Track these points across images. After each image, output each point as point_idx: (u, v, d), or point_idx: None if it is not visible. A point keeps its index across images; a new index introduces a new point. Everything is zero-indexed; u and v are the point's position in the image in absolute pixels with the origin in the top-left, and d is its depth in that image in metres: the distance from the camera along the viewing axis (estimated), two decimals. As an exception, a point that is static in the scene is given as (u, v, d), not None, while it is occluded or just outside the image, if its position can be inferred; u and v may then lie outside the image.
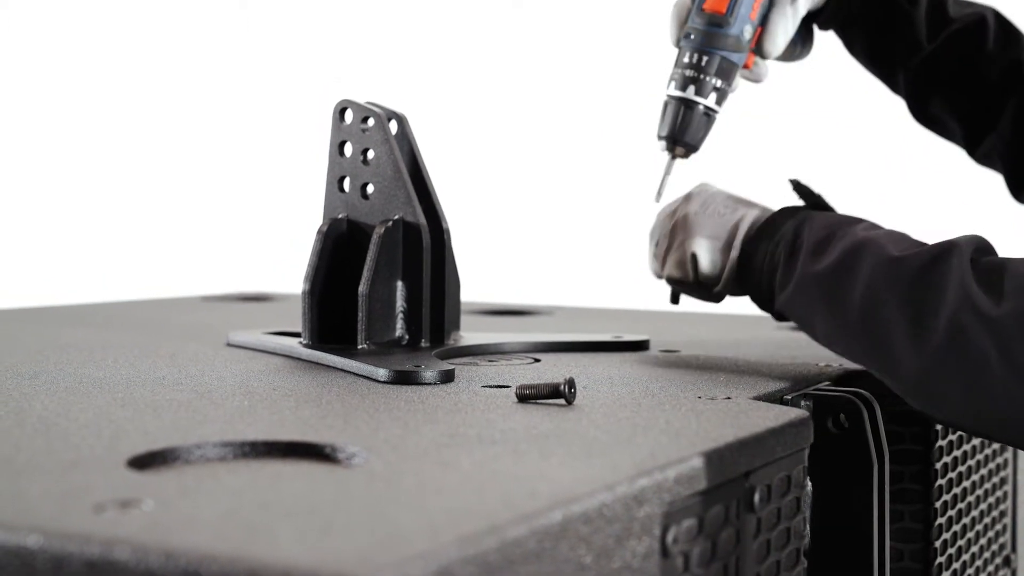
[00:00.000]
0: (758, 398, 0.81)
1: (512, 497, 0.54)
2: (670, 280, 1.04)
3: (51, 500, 0.53)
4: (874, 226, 0.92)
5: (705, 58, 0.99)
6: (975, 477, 1.05)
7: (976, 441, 1.04)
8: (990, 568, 1.09)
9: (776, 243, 0.95)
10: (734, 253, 0.98)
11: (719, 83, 0.99)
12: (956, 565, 1.00)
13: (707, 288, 1.01)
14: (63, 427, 0.69)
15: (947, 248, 0.84)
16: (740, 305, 1.37)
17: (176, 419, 0.71)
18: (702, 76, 0.99)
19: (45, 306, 1.51)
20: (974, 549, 1.05)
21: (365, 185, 1.01)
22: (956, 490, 1.00)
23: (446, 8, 2.75)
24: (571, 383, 0.77)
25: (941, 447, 0.96)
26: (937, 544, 0.96)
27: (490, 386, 0.85)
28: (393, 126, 1.02)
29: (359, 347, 0.96)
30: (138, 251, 2.82)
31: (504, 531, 0.49)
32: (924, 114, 1.16)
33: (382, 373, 0.87)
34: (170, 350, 1.04)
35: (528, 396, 0.78)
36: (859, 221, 0.93)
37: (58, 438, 0.66)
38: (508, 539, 0.49)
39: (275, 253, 2.41)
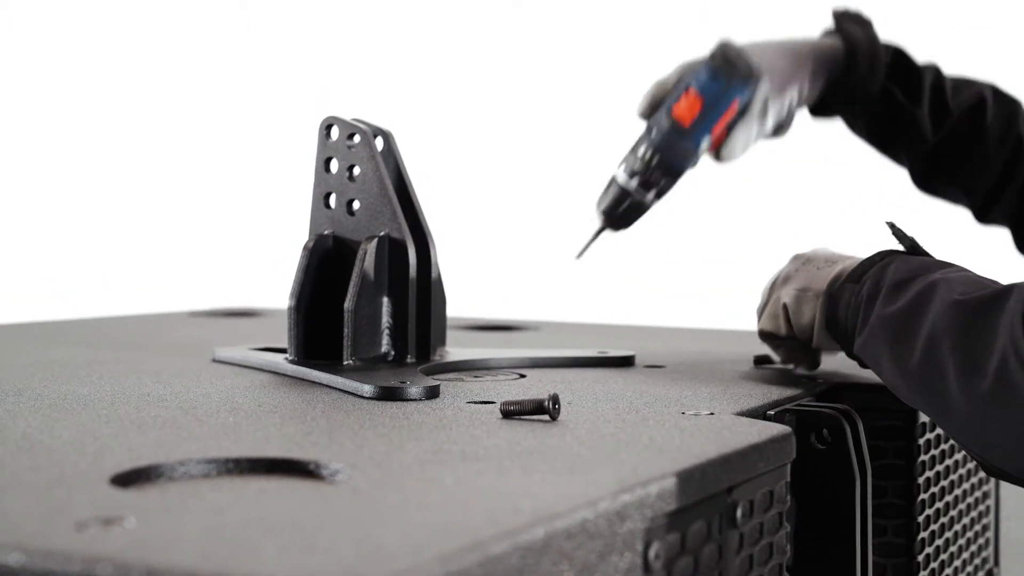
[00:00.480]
0: (741, 414, 0.81)
1: (495, 513, 0.54)
2: (763, 335, 1.02)
3: (33, 518, 0.53)
4: (960, 270, 0.88)
5: (657, 157, 1.03)
6: (958, 492, 1.05)
7: (959, 455, 1.04)
8: (974, 582, 1.09)
9: (861, 286, 0.92)
10: (822, 299, 0.95)
11: (663, 182, 1.03)
12: (940, 579, 1.01)
13: (802, 344, 0.99)
14: (46, 444, 0.69)
15: (1002, 293, 0.81)
16: (723, 320, 1.37)
17: (160, 436, 0.71)
18: (649, 173, 1.03)
19: (31, 322, 1.51)
20: (957, 563, 1.05)
21: (351, 201, 1.01)
22: (939, 504, 1.00)
23: (440, 13, 2.76)
24: (555, 399, 0.77)
25: (923, 462, 0.97)
26: (920, 558, 0.96)
27: (475, 402, 0.85)
28: (379, 142, 1.02)
29: (345, 363, 0.96)
30: (125, 266, 2.82)
31: (487, 547, 0.49)
32: (929, 188, 1.18)
33: (367, 389, 0.87)
34: (156, 366, 1.04)
35: (512, 412, 0.78)
36: (946, 265, 0.89)
37: (41, 455, 0.66)
38: (491, 555, 0.49)
39: (262, 269, 2.41)
